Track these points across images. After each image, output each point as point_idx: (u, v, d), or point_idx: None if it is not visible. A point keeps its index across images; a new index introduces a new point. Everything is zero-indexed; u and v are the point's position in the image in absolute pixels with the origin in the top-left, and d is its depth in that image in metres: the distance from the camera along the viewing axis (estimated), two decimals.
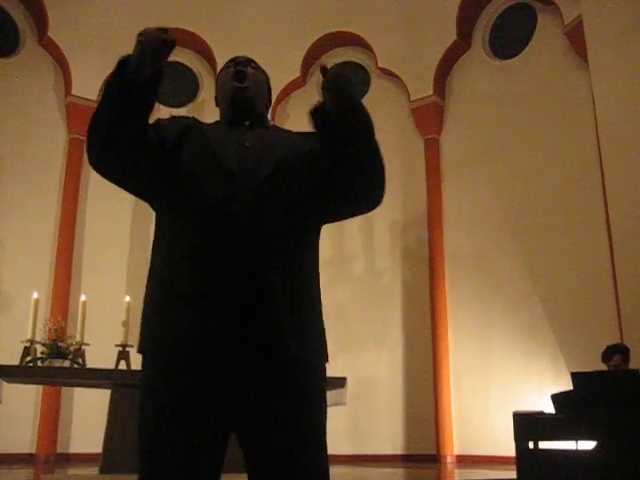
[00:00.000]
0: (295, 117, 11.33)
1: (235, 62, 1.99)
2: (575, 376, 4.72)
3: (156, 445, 1.56)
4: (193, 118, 1.93)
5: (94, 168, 1.76)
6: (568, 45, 9.22)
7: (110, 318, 7.03)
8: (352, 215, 1.93)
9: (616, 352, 5.67)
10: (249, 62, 2.00)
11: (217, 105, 2.07)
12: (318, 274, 1.80)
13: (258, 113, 1.95)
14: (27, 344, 5.57)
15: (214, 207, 1.65)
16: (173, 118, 1.91)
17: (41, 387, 9.06)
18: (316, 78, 11.71)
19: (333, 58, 11.72)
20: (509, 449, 5.03)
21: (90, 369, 5.52)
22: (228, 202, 1.65)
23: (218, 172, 1.70)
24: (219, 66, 11.08)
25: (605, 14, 7.93)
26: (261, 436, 1.59)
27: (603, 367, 5.76)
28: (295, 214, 1.73)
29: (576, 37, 8.78)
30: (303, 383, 1.63)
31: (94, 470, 5.84)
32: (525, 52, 10.10)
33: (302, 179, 1.77)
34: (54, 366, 5.49)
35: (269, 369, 1.59)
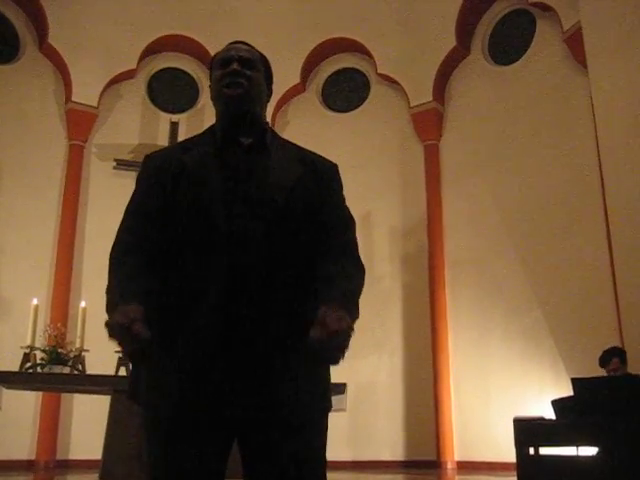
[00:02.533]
0: (295, 123, 11.34)
1: (233, 62, 1.79)
2: (575, 382, 4.72)
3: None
4: (182, 147, 1.80)
5: None
6: (567, 51, 9.24)
7: None
8: None
9: (613, 356, 5.67)
10: (246, 60, 1.81)
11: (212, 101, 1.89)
12: None
13: (256, 127, 1.81)
14: (27, 350, 5.56)
15: (205, 264, 1.62)
16: (159, 167, 1.75)
17: (41, 393, 9.05)
18: (315, 85, 11.74)
19: (333, 64, 11.76)
20: (509, 455, 5.02)
21: (90, 375, 5.51)
22: (219, 266, 1.60)
23: (208, 228, 1.63)
24: None
25: (604, 20, 7.94)
26: (262, 454, 1.61)
27: (604, 371, 5.75)
28: (293, 272, 1.67)
29: (575, 43, 8.80)
30: (308, 435, 1.64)
31: (94, 476, 5.83)
32: (524, 58, 10.12)
33: (296, 242, 1.69)
34: (54, 372, 5.48)
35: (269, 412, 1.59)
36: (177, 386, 1.57)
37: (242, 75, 1.77)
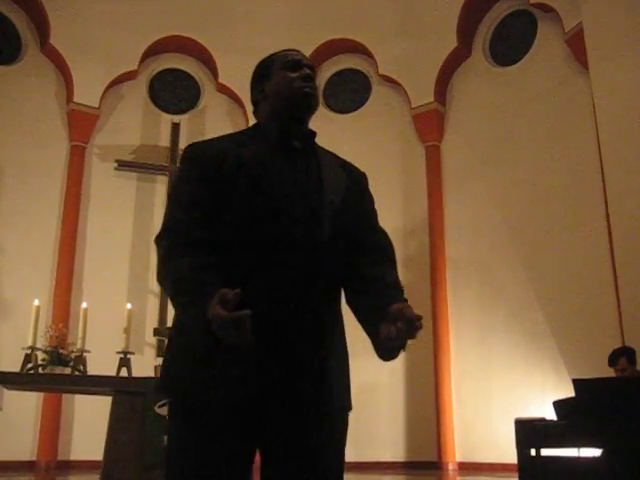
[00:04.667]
0: None
1: (303, 67, 1.85)
2: (577, 383, 4.71)
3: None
4: (234, 141, 1.79)
5: None
6: (568, 52, 9.24)
7: (111, 325, 7.02)
8: None
9: (621, 355, 5.64)
10: (313, 70, 1.89)
11: (257, 101, 1.90)
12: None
13: (307, 132, 1.85)
14: (28, 351, 5.56)
15: (268, 264, 1.64)
16: (213, 158, 1.72)
17: (42, 394, 9.05)
18: (317, 84, 11.72)
19: (334, 65, 11.76)
20: (511, 456, 5.01)
21: (91, 376, 5.51)
22: (285, 262, 1.63)
23: (272, 229, 1.65)
24: (220, 73, 11.13)
25: (605, 21, 7.95)
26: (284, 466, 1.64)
27: (606, 372, 5.74)
28: (337, 277, 1.76)
29: (576, 44, 8.80)
30: (335, 433, 1.71)
31: (95, 477, 5.82)
32: (526, 59, 10.12)
33: (351, 246, 1.77)
34: (55, 373, 5.48)
35: (305, 416, 1.64)
36: (238, 372, 1.57)
37: (314, 82, 1.85)
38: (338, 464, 1.70)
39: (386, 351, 1.63)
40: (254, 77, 1.92)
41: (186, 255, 1.60)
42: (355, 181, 1.86)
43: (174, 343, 1.71)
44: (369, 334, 1.70)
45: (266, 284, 1.61)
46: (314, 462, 1.63)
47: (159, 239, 1.68)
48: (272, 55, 1.91)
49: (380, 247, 1.84)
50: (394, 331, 1.54)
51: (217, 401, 1.58)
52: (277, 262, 1.62)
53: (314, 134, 1.85)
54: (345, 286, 1.80)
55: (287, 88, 1.81)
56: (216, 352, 1.53)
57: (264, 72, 1.88)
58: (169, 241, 1.65)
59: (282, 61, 1.86)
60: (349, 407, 1.78)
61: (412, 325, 1.53)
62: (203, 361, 1.58)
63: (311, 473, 1.63)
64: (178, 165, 1.78)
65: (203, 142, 1.83)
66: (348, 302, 1.81)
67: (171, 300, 1.63)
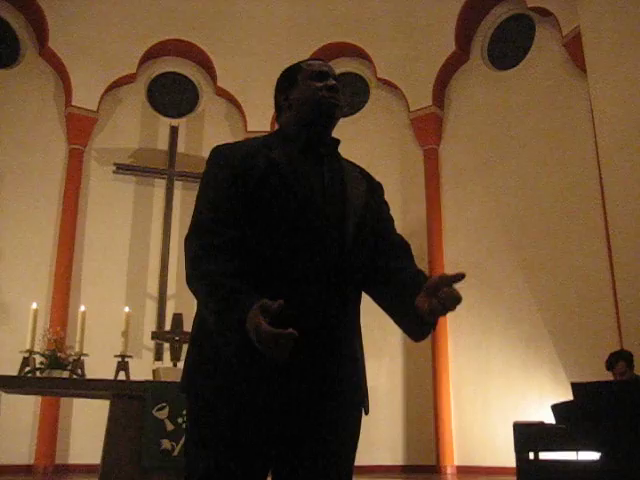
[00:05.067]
0: None
1: (329, 77, 1.89)
2: (575, 386, 4.71)
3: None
4: (262, 144, 1.81)
5: None
6: (566, 55, 9.26)
7: (109, 328, 7.03)
8: None
9: (620, 359, 5.64)
10: (338, 81, 1.93)
11: (281, 107, 1.94)
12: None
13: (331, 139, 1.91)
14: (26, 354, 5.55)
15: (294, 268, 1.66)
16: (243, 159, 1.74)
17: (40, 398, 9.03)
18: None
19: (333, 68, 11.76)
20: (509, 460, 5.01)
21: (89, 380, 5.50)
22: (310, 267, 1.66)
23: (302, 230, 1.68)
24: (219, 77, 11.13)
25: (603, 25, 7.96)
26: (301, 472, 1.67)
27: (604, 376, 5.74)
28: (361, 277, 1.80)
29: (574, 48, 8.82)
30: (351, 430, 1.79)
31: None
32: (523, 63, 10.14)
33: (371, 250, 1.82)
34: (53, 376, 5.47)
35: (326, 413, 1.68)
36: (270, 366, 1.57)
37: (339, 93, 1.89)
38: (349, 467, 1.78)
39: (421, 327, 1.67)
40: (279, 84, 1.96)
41: (216, 258, 1.61)
42: (373, 188, 1.92)
43: (201, 347, 1.71)
44: (401, 316, 1.74)
45: (296, 283, 1.64)
46: (329, 465, 1.69)
47: (188, 240, 1.69)
48: (299, 63, 1.96)
49: (402, 245, 1.89)
50: (435, 302, 1.56)
51: (243, 412, 1.61)
52: (307, 261, 1.66)
53: (338, 142, 1.91)
54: (370, 282, 1.83)
55: (313, 98, 1.85)
56: (247, 363, 1.54)
57: (290, 80, 1.92)
58: (198, 242, 1.66)
59: (308, 70, 1.90)
60: (367, 411, 1.86)
61: (453, 295, 1.55)
62: (232, 372, 1.60)
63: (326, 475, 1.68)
64: (204, 167, 1.77)
65: (230, 144, 1.86)
66: (374, 296, 1.85)
67: (203, 305, 1.63)
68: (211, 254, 1.62)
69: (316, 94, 1.85)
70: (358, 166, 1.96)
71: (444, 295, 1.55)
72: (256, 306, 1.46)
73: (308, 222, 1.68)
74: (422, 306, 1.59)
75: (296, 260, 1.65)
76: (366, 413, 1.85)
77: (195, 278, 1.64)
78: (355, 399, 1.77)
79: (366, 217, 1.79)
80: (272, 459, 1.67)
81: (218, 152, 1.80)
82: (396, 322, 1.78)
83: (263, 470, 1.66)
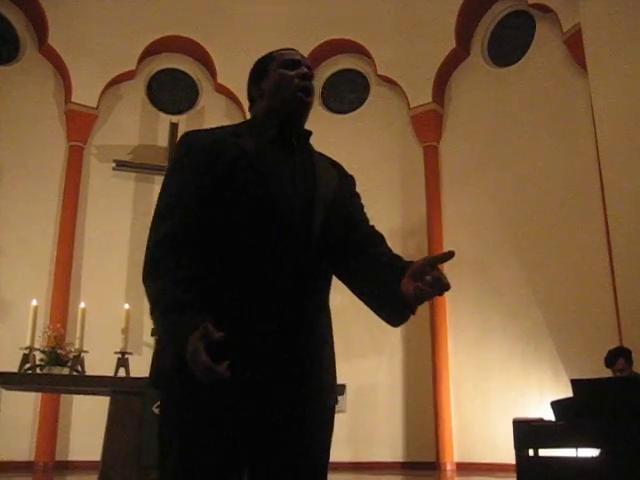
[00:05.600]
0: None
1: (302, 66, 1.86)
2: (575, 383, 4.71)
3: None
4: (231, 132, 1.78)
5: None
6: (567, 53, 9.25)
7: (109, 325, 7.02)
8: None
9: (619, 356, 5.65)
10: (310, 69, 1.89)
11: (254, 98, 1.91)
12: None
13: (305, 129, 1.88)
14: (26, 351, 5.55)
15: (261, 254, 1.64)
16: (211, 146, 1.71)
17: (40, 394, 9.04)
18: (315, 84, 11.72)
19: (332, 66, 11.76)
20: (509, 456, 5.01)
21: (89, 376, 5.50)
22: (276, 253, 1.64)
23: (270, 217, 1.65)
24: (218, 74, 11.13)
25: (604, 22, 7.95)
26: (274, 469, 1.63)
27: (604, 373, 5.74)
28: (329, 268, 1.78)
29: (575, 45, 8.81)
30: (325, 427, 1.71)
31: (93, 478, 5.82)
32: (524, 60, 10.13)
33: (341, 239, 1.78)
34: (53, 373, 5.47)
35: (298, 411, 1.63)
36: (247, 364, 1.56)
37: (311, 81, 1.86)
38: (324, 462, 1.70)
39: (402, 312, 1.64)
40: (252, 74, 1.93)
41: (172, 257, 1.59)
42: (345, 180, 1.90)
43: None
44: (381, 301, 1.70)
45: (262, 272, 1.62)
46: (302, 459, 1.63)
47: (151, 228, 1.68)
48: (271, 53, 1.92)
49: (377, 234, 1.87)
50: (422, 286, 1.52)
51: (210, 411, 1.57)
52: (274, 246, 1.63)
53: (310, 133, 1.87)
54: (347, 269, 1.81)
55: (285, 85, 1.82)
56: (182, 377, 1.52)
57: (262, 70, 1.89)
58: (158, 234, 1.64)
59: (280, 59, 1.87)
60: (336, 402, 1.79)
61: (440, 280, 1.52)
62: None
63: (298, 470, 1.63)
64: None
65: (198, 130, 1.83)
66: (353, 283, 1.81)
67: (150, 309, 1.60)
68: (166, 252, 1.61)
69: (288, 82, 1.81)
70: (330, 158, 1.93)
71: (431, 280, 1.52)
72: (200, 330, 1.43)
73: (275, 208, 1.65)
74: (407, 290, 1.56)
75: (263, 246, 1.63)
76: (335, 403, 1.79)
77: (149, 277, 1.62)
78: (326, 393, 1.72)
79: (336, 204, 1.76)
80: (244, 459, 1.62)
81: (186, 139, 1.78)
82: (375, 308, 1.73)
83: (236, 470, 1.61)
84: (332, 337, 1.79)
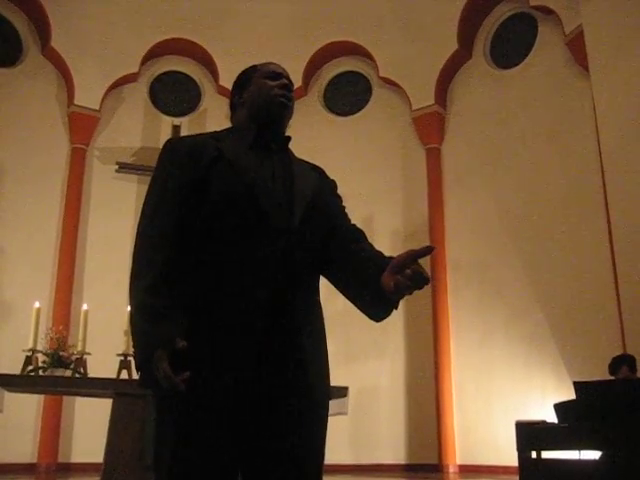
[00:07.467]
0: (296, 127, 11.27)
1: (283, 78, 1.94)
2: (578, 385, 4.71)
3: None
4: (211, 136, 1.86)
5: None
6: (569, 54, 9.24)
7: (112, 327, 7.02)
8: None
9: (623, 363, 5.62)
10: (290, 81, 1.97)
11: (235, 106, 1.99)
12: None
13: (283, 137, 1.94)
14: (28, 353, 5.56)
15: (244, 251, 1.68)
16: (191, 149, 1.79)
17: (42, 396, 9.04)
18: (317, 89, 11.74)
19: (335, 68, 11.77)
20: (512, 459, 5.01)
21: (91, 378, 5.51)
22: (259, 248, 1.67)
23: (251, 213, 1.70)
24: (221, 76, 11.14)
25: (606, 24, 7.95)
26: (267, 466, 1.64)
27: (606, 374, 5.72)
28: (313, 263, 1.80)
29: (577, 47, 8.80)
30: (318, 424, 1.71)
31: None
32: (526, 62, 10.12)
33: (322, 235, 1.82)
34: (55, 375, 5.48)
35: (289, 407, 1.64)
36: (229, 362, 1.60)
37: (291, 92, 1.94)
38: (318, 462, 1.70)
39: (384, 307, 1.65)
40: (235, 84, 2.01)
41: (154, 262, 1.69)
42: (325, 182, 1.95)
43: None
44: (364, 296, 1.71)
45: (245, 267, 1.65)
46: (296, 458, 1.64)
47: (137, 232, 1.78)
48: (254, 65, 2.01)
49: (359, 231, 1.90)
50: (401, 279, 1.54)
51: (203, 408, 1.60)
52: (256, 243, 1.67)
53: (289, 139, 1.95)
54: (330, 266, 1.83)
55: (264, 94, 1.90)
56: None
57: (245, 80, 1.97)
58: (143, 236, 1.75)
59: (263, 70, 1.96)
60: (329, 397, 1.80)
61: (420, 273, 1.53)
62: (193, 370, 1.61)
63: (293, 467, 1.63)
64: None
65: (180, 137, 1.93)
66: (336, 279, 1.84)
67: (130, 312, 1.71)
68: (149, 255, 1.72)
69: (268, 91, 1.90)
70: (312, 163, 1.98)
71: (410, 273, 1.54)
72: (168, 346, 1.55)
73: (256, 203, 1.69)
74: (388, 284, 1.57)
75: (245, 242, 1.67)
76: (329, 398, 1.81)
77: (131, 279, 1.76)
78: (319, 388, 1.72)
79: (315, 202, 1.80)
80: (238, 457, 1.63)
81: (168, 144, 1.86)
82: (358, 304, 1.75)
83: (230, 468, 1.62)
84: (324, 334, 1.80)
